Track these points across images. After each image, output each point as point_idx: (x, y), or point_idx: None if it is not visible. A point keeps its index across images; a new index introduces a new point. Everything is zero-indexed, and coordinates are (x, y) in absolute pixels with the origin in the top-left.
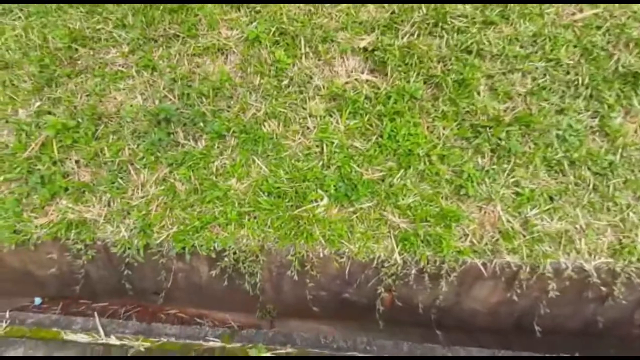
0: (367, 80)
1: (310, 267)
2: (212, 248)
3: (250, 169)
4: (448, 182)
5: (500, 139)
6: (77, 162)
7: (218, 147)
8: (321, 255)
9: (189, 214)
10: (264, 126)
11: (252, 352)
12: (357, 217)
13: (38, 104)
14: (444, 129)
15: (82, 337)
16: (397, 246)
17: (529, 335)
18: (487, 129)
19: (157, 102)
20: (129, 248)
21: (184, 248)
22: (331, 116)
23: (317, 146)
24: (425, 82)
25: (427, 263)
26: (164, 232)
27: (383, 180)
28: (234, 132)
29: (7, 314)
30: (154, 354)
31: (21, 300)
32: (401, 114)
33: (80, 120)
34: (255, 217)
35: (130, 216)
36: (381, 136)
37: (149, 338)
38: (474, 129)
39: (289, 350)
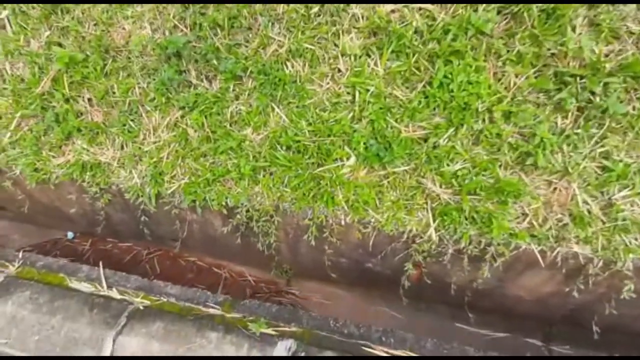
0: (419, 9)
1: (330, 234)
2: (223, 204)
3: (269, 118)
4: (511, 148)
5: (593, 94)
6: (89, 100)
7: (233, 90)
8: (343, 222)
9: (201, 164)
10: (287, 66)
11: (252, 326)
12: (388, 182)
13: (47, 33)
14: (516, 77)
15: (85, 287)
16: (433, 221)
17: (580, 329)
18: (578, 79)
19: (167, 32)
20: (141, 196)
21: (194, 201)
22: (369, 56)
23: (348, 93)
24: (499, 12)
25: (469, 244)
26: (175, 182)
27: (425, 140)
28: (251, 72)
29: (20, 254)
30: (153, 312)
31: (56, 232)
32: (460, 54)
33: (88, 53)
34: (271, 174)
35: (142, 162)
36: (430, 84)
37: (149, 295)
38: (559, 79)
39: (292, 328)
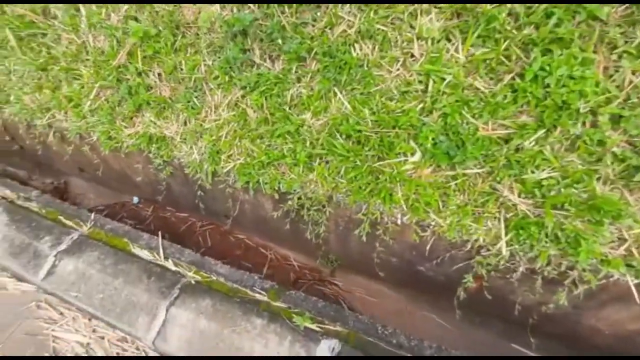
0: None
1: (383, 232)
2: (276, 188)
3: (330, 103)
4: (616, 159)
5: None
6: (159, 75)
7: (296, 72)
8: (399, 222)
9: (257, 146)
10: (354, 49)
11: (296, 319)
12: (456, 184)
13: (126, 7)
14: (633, 74)
15: (145, 254)
16: (506, 233)
17: None
18: None
19: (234, 9)
20: (199, 172)
21: (247, 182)
22: (449, 40)
23: (420, 82)
24: None
25: (547, 264)
26: (231, 162)
27: (507, 141)
28: (315, 53)
29: (92, 216)
30: (203, 289)
31: (124, 196)
32: (564, 43)
33: (160, 28)
34: (327, 162)
35: (203, 139)
36: (521, 76)
37: (200, 271)
38: None
39: (337, 328)
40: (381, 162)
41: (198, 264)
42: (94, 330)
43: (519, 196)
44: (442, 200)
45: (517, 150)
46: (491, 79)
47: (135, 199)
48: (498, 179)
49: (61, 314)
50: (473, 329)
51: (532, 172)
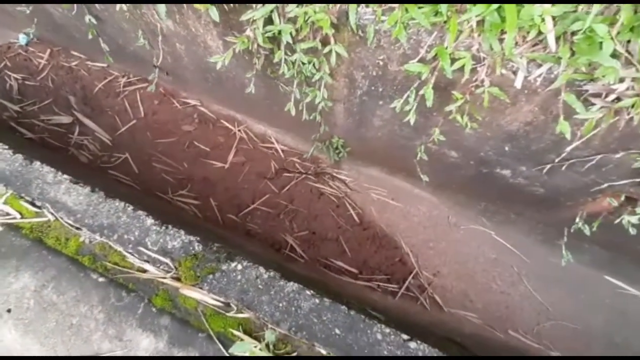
0: None
1: (461, 101)
2: None
3: None
4: None
5: None
6: None
7: None
8: (518, 81)
9: None
10: None
11: (238, 346)
12: None
13: None
14: None
15: None
16: None
17: None
18: None
19: None
20: None
21: None
22: None
23: None
24: None
25: None
26: None
27: None
28: None
29: None
30: (18, 247)
31: (10, 33)
32: None
33: None
34: None
35: None
36: None
37: (16, 196)
38: None
39: None
40: None
41: (10, 173)
42: None
43: None
44: None
45: None
46: None
47: (23, 38)
48: None
49: None
50: (553, 253)
51: None
